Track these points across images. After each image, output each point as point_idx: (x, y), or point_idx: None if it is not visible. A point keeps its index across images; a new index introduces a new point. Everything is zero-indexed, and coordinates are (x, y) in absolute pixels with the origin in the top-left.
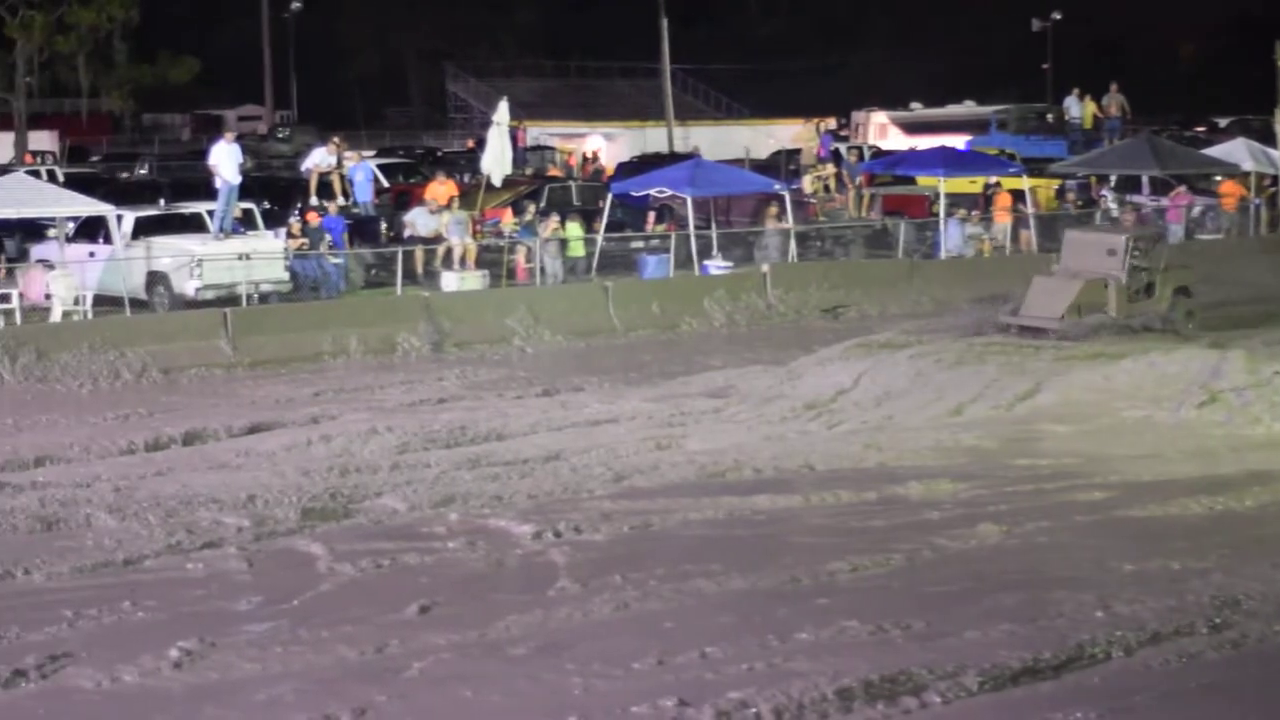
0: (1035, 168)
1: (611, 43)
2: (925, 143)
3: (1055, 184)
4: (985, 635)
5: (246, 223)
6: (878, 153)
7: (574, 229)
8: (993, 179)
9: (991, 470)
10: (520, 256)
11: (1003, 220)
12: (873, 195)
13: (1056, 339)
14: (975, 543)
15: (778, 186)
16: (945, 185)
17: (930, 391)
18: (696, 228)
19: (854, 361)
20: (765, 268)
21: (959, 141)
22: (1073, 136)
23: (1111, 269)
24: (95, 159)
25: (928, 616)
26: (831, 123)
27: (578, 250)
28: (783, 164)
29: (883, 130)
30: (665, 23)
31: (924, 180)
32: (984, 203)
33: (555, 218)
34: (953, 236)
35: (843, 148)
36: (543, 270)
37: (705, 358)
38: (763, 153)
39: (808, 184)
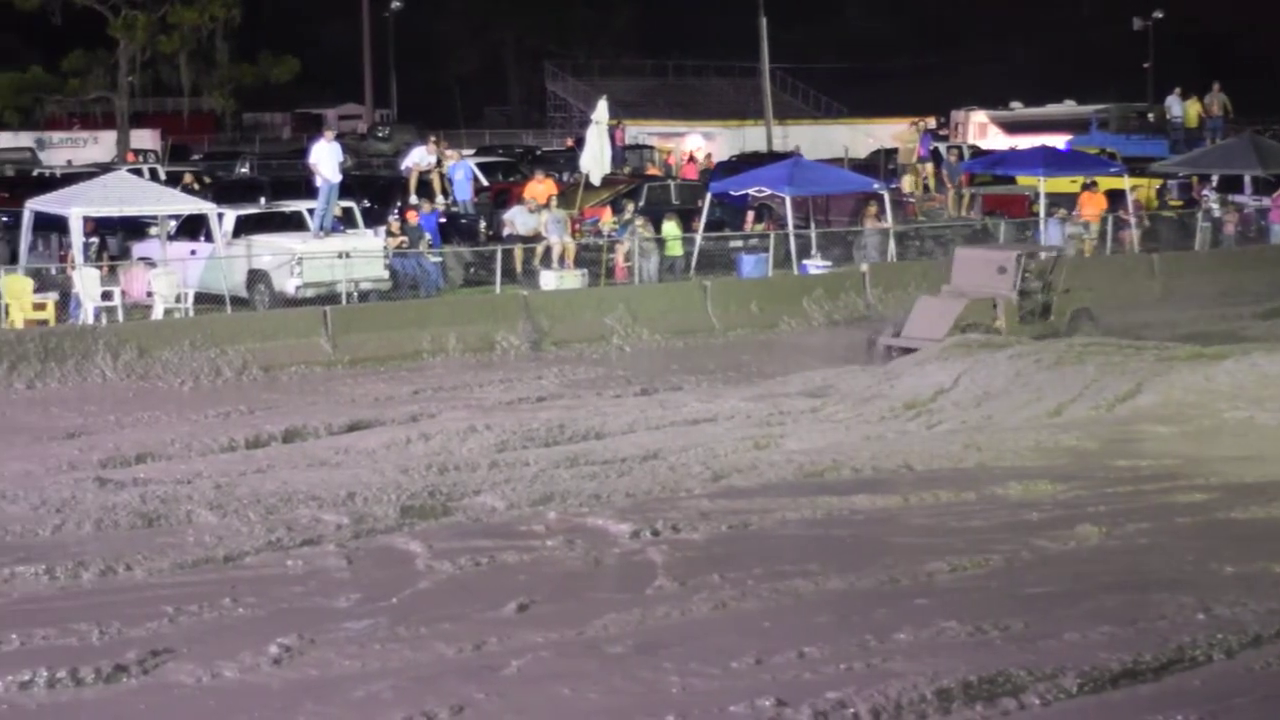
0: (1136, 167)
1: (710, 42)
2: (1025, 142)
3: (1156, 184)
4: (1085, 637)
5: (346, 221)
6: (977, 152)
7: (671, 228)
8: (1089, 179)
9: (1091, 471)
10: (619, 255)
11: (1092, 220)
12: (972, 195)
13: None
14: (1075, 544)
15: (877, 186)
16: (1045, 185)
17: (1030, 392)
18: (795, 227)
19: (953, 361)
20: (864, 267)
21: (1059, 141)
22: (1174, 136)
23: (1001, 288)
24: (196, 158)
25: (1027, 618)
26: (931, 122)
27: (676, 249)
28: (882, 163)
29: (982, 129)
30: (764, 22)
31: (1024, 180)
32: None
33: (640, 217)
34: (1052, 236)
35: (942, 147)
36: (634, 269)
37: (803, 357)
38: (862, 152)
39: (907, 183)
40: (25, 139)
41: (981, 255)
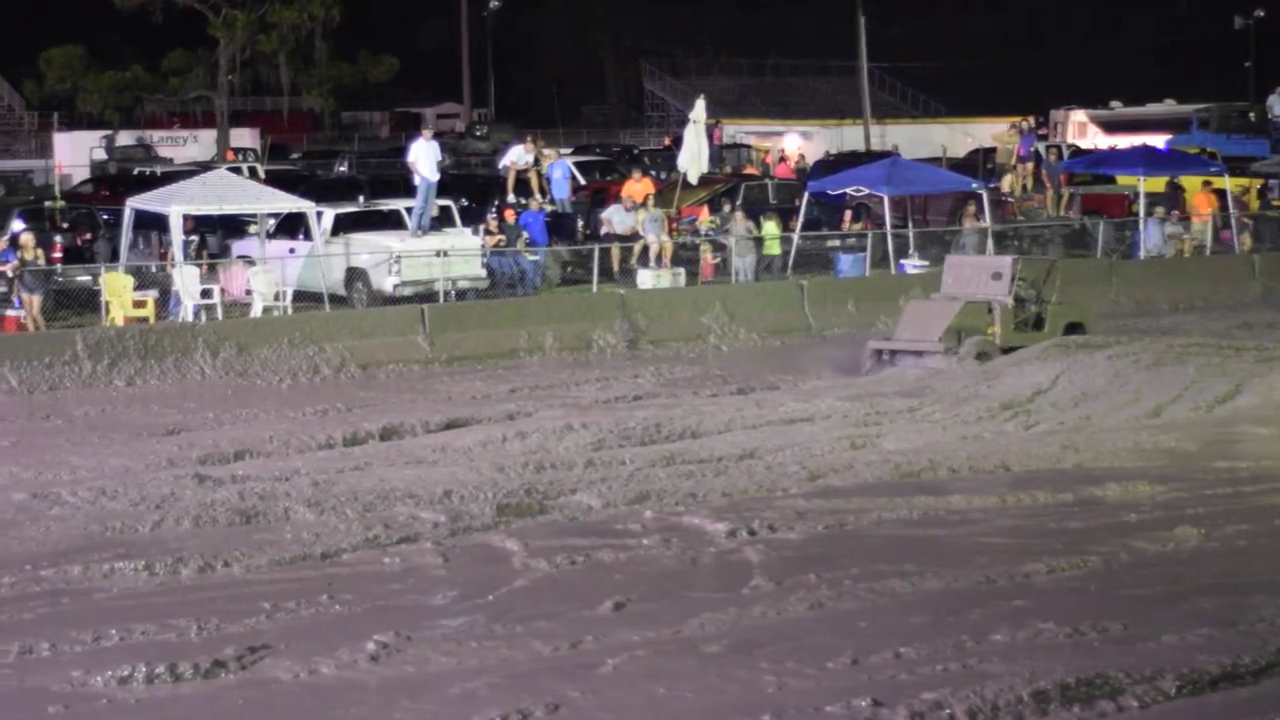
0: (1237, 167)
1: (808, 40)
2: (1125, 141)
3: (1258, 184)
4: (1183, 639)
5: (444, 220)
6: (1076, 151)
7: (770, 228)
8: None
9: (1190, 472)
10: (707, 253)
11: (1204, 220)
12: (1071, 194)
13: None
14: (1173, 545)
15: (975, 185)
16: (1145, 185)
17: (1128, 392)
18: (893, 226)
19: (1051, 362)
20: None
21: (1159, 140)
22: (1275, 135)
23: (996, 293)
24: (295, 156)
25: (1125, 619)
26: (1032, 121)
27: (774, 249)
28: (980, 162)
29: (1082, 129)
30: (863, 20)
31: (1123, 179)
32: (1182, 201)
33: (740, 213)
34: (1152, 236)
35: (1041, 146)
36: (736, 271)
37: None
38: (960, 151)
39: (1005, 183)
40: (125, 138)
41: (975, 262)
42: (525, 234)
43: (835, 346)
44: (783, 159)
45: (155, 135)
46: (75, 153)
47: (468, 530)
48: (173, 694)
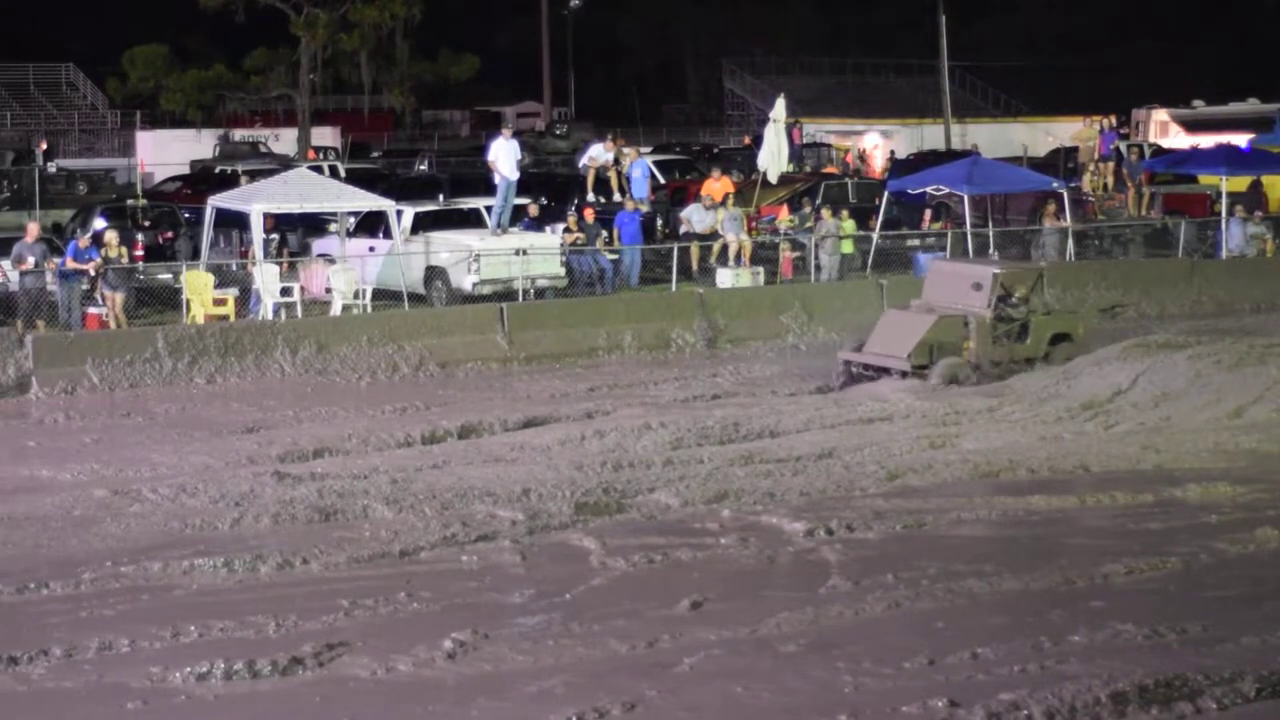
0: None
1: (889, 39)
2: (1207, 141)
3: None
4: (1264, 641)
5: (524, 218)
6: (1158, 151)
7: (848, 226)
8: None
9: (1271, 474)
10: (786, 252)
11: None
12: (1153, 194)
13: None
14: (1254, 547)
15: (1056, 185)
16: (1227, 184)
17: (1209, 393)
18: (973, 226)
19: (1132, 362)
20: (1042, 266)
21: (1241, 139)
22: None
23: (975, 305)
24: (376, 155)
25: (1204, 621)
26: (1112, 120)
27: (848, 247)
28: (1061, 162)
29: (1163, 128)
30: (944, 19)
31: (1205, 179)
32: (1265, 201)
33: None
34: (1234, 236)
35: (1123, 146)
36: (818, 267)
37: None
38: (1041, 150)
39: (1087, 182)
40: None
41: (957, 269)
42: (604, 233)
43: None
44: (862, 158)
45: (237, 134)
46: (158, 151)
47: (545, 529)
48: (250, 690)
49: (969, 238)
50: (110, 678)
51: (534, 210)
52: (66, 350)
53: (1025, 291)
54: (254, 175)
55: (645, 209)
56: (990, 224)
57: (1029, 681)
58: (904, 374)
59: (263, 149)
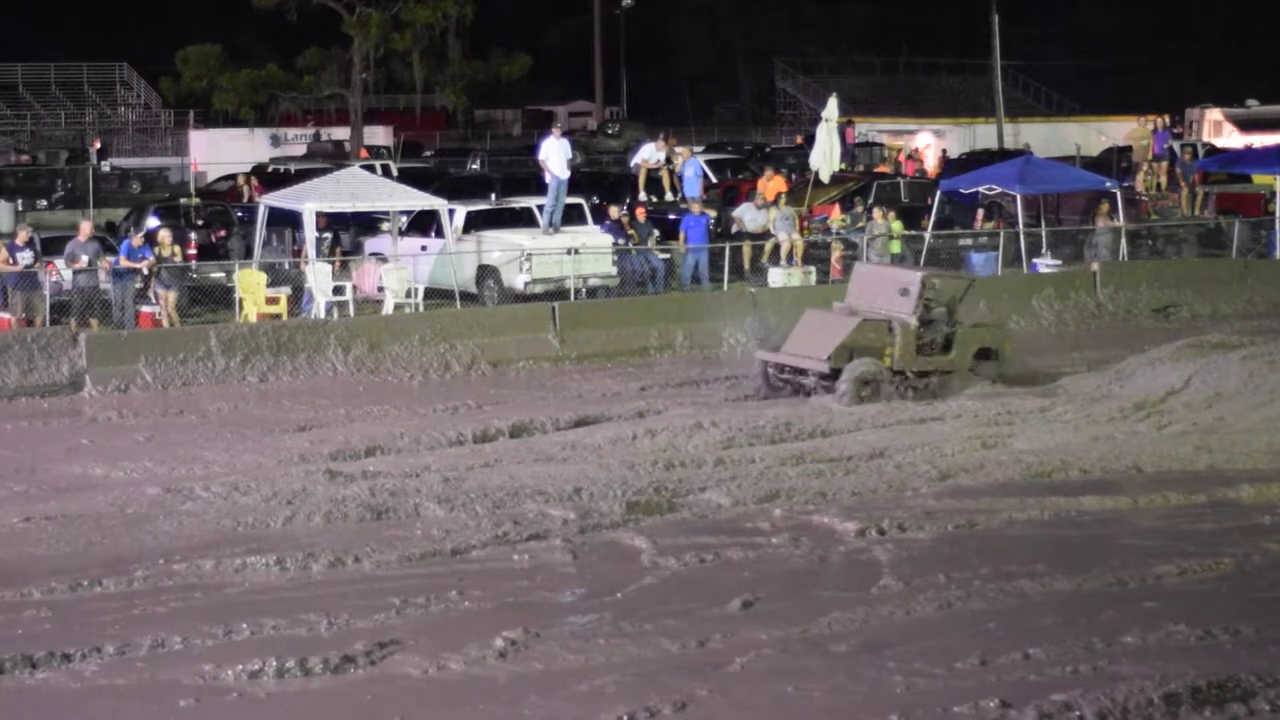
0: None
1: (941, 38)
2: (1261, 140)
3: None
4: None
5: (575, 217)
6: (1211, 150)
7: (896, 226)
8: None
9: None
10: (838, 251)
11: None
12: (1206, 193)
13: (821, 388)
14: None
15: (1109, 184)
16: None
17: (1263, 393)
18: (1026, 225)
19: (1185, 362)
20: (1095, 266)
21: None
22: None
23: (900, 311)
24: (428, 154)
25: (1258, 622)
26: (1166, 119)
27: (896, 247)
28: (1114, 161)
29: (1217, 127)
30: (996, 19)
31: (1259, 178)
32: None
33: (879, 209)
34: None
35: (1176, 145)
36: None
37: (1033, 356)
38: (1094, 150)
39: (1140, 182)
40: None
41: (884, 273)
42: (656, 232)
43: None
44: (911, 157)
45: (289, 133)
46: (211, 150)
47: (597, 528)
48: (302, 688)
49: (1021, 237)
50: (163, 675)
51: (614, 212)
52: (120, 348)
53: (952, 301)
54: (306, 174)
55: (713, 213)
56: (1043, 224)
57: (1081, 682)
58: (821, 376)
59: (347, 148)
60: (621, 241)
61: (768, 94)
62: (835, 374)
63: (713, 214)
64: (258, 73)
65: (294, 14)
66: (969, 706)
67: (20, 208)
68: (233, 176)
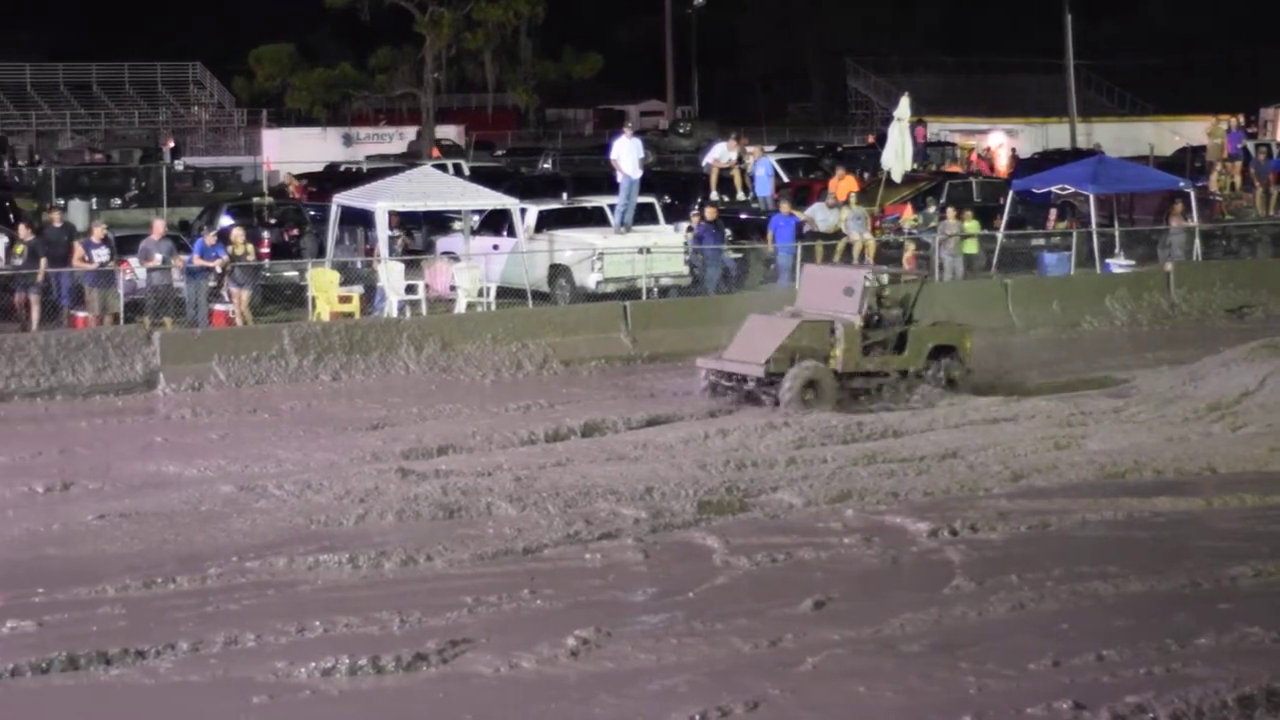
0: None
1: (1014, 38)
2: None
3: None
4: None
5: (648, 216)
6: None
7: (972, 226)
8: None
9: None
10: (910, 251)
11: None
12: None
13: (763, 393)
14: None
15: (1183, 184)
16: None
17: None
18: (1099, 225)
19: (1260, 363)
20: (1169, 266)
21: None
22: None
23: (845, 311)
24: (500, 153)
25: None
26: (1240, 119)
27: (970, 247)
28: (1188, 161)
29: None
30: (1069, 18)
31: None
32: None
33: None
34: None
35: (1250, 145)
36: (941, 267)
37: (1106, 357)
38: (1167, 150)
39: (1214, 182)
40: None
41: (829, 273)
42: (729, 231)
43: (1042, 347)
44: (983, 157)
45: (361, 132)
46: (284, 149)
47: (669, 527)
48: (375, 686)
49: (1094, 237)
50: (236, 672)
51: (712, 213)
52: (193, 347)
53: (906, 300)
54: (378, 173)
55: (802, 215)
56: (1116, 224)
57: (1154, 684)
58: (758, 381)
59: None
60: (723, 246)
61: (839, 93)
62: (775, 379)
63: (801, 215)
64: (330, 72)
65: (366, 13)
66: (1042, 708)
67: (95, 206)
68: (305, 175)
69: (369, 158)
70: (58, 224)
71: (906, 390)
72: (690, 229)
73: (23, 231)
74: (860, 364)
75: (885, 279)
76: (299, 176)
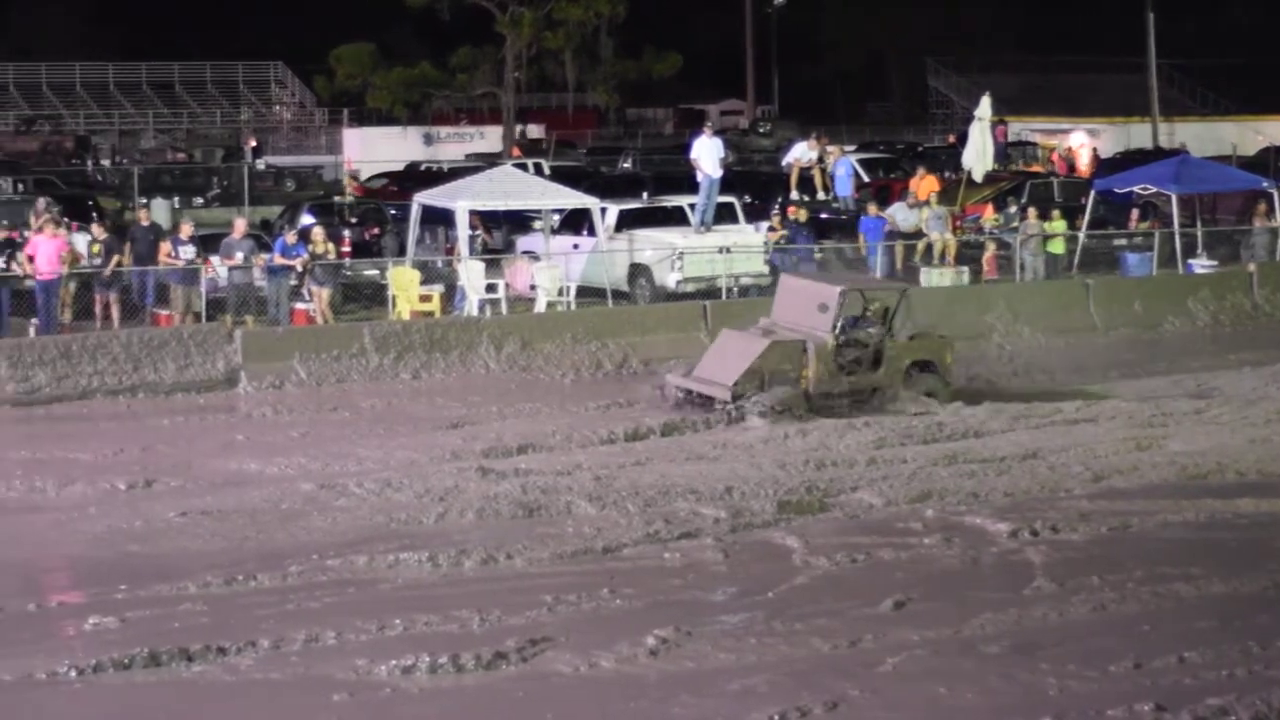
0: None
1: (1095, 37)
2: None
3: None
4: None
5: (728, 216)
6: None
7: (1058, 226)
8: None
9: None
10: (991, 251)
11: None
12: None
13: (726, 413)
14: None
15: (1266, 184)
16: None
17: None
18: (1181, 225)
19: None
20: (1252, 267)
21: None
22: None
23: (818, 328)
24: (581, 152)
25: None
26: None
27: (1056, 247)
28: (1271, 160)
29: None
30: (1151, 17)
31: None
32: None
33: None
34: None
35: None
36: (1022, 267)
37: (1188, 358)
38: (1250, 149)
39: None
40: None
41: (804, 287)
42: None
43: (1124, 348)
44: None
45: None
46: (365, 148)
47: (748, 526)
48: (455, 684)
49: (1177, 237)
50: (316, 670)
51: (802, 214)
52: (274, 345)
53: (885, 315)
54: (458, 173)
55: (887, 216)
56: (1199, 224)
57: (1236, 687)
58: (724, 404)
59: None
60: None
61: (920, 92)
62: (742, 400)
63: (886, 216)
64: (411, 71)
65: (447, 12)
66: (1123, 710)
67: (177, 205)
68: (386, 175)
69: (468, 155)
70: (145, 223)
71: (889, 403)
72: (771, 228)
73: (96, 230)
74: (833, 384)
75: (861, 295)
76: (378, 176)
